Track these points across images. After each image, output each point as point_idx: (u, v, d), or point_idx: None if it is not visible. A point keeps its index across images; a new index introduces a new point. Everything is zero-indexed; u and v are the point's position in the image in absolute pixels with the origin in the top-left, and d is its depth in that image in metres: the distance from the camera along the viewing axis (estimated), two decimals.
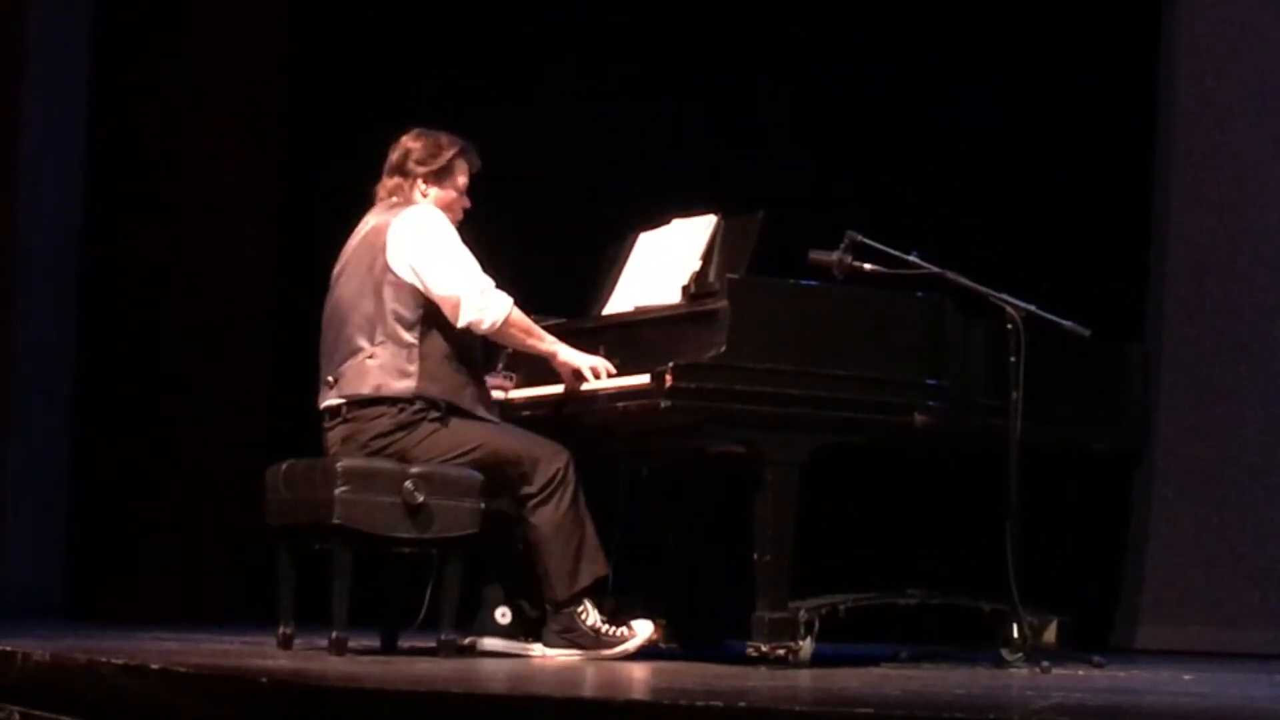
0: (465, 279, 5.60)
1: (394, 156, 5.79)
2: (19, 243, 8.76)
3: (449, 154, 5.76)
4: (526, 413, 5.87)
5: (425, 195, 5.75)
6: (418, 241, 5.61)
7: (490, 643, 5.76)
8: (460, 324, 5.59)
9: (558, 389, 5.81)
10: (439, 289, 5.59)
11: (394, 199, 5.77)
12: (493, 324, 5.62)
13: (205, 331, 8.90)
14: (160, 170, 9.00)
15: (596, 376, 5.70)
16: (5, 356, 8.70)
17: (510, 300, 5.65)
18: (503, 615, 5.81)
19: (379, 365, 5.59)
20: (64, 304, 8.92)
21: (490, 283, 5.63)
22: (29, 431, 8.80)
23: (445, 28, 8.71)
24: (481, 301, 5.60)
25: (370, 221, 5.76)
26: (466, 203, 5.82)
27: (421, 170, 5.75)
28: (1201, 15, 7.71)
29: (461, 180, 5.80)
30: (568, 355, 5.75)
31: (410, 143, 5.78)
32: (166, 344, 8.92)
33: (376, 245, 5.65)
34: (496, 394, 5.92)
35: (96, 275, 8.94)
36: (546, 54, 8.60)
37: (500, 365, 6.10)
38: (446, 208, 5.74)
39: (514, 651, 5.74)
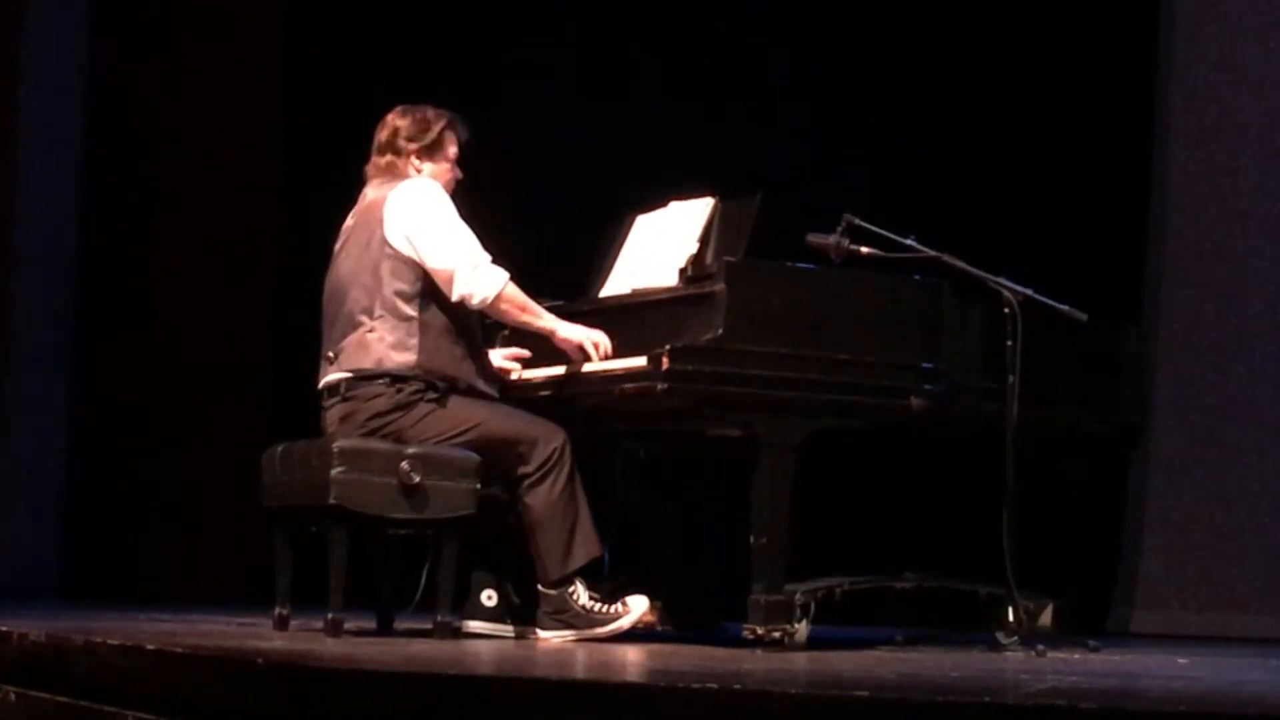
0: (460, 252, 5.57)
1: (382, 135, 5.76)
2: (18, 221, 8.76)
3: (438, 127, 5.73)
4: (527, 394, 5.86)
5: (420, 171, 5.72)
6: (415, 214, 5.59)
7: (475, 625, 5.77)
8: (454, 298, 5.56)
9: (555, 371, 5.80)
10: (434, 262, 5.57)
11: (388, 176, 5.73)
12: (484, 299, 5.59)
13: (204, 312, 8.90)
14: (158, 153, 9.00)
15: (598, 349, 5.69)
16: (4, 336, 8.70)
17: (505, 275, 5.62)
18: (488, 598, 5.81)
19: (379, 339, 5.56)
20: (63, 285, 8.91)
21: (486, 257, 5.60)
22: (28, 411, 8.81)
23: (443, 6, 8.70)
24: (475, 276, 5.56)
25: (368, 195, 5.75)
26: (459, 174, 5.79)
27: (413, 147, 5.72)
28: None
29: (452, 151, 5.77)
30: (567, 331, 5.72)
31: (397, 120, 5.75)
32: (165, 325, 8.92)
33: (374, 219, 5.63)
34: (508, 365, 5.92)
35: (95, 257, 8.94)
36: (546, 33, 8.58)
37: (498, 344, 6.08)
38: (441, 181, 5.72)
39: (497, 634, 5.75)
